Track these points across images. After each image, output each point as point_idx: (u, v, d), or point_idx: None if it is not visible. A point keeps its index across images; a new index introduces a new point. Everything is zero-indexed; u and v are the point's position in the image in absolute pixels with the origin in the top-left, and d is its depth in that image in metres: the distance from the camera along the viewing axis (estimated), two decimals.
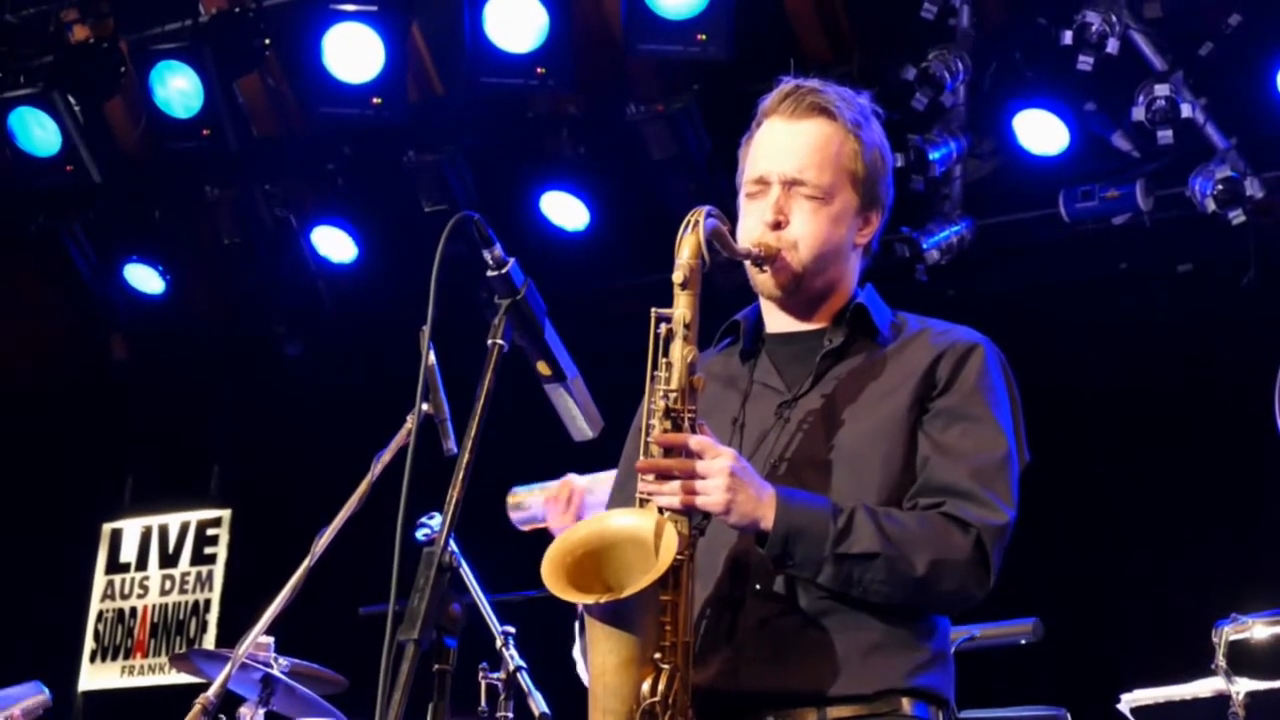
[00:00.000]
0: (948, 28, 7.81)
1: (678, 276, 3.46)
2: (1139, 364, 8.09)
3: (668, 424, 3.40)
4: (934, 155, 7.83)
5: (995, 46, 8.00)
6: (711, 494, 3.34)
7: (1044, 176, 8.01)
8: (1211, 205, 7.61)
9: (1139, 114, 7.54)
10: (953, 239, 8.14)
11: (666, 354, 3.43)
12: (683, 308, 3.44)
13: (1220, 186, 7.57)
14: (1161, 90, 7.49)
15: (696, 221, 3.49)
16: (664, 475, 3.37)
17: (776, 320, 3.77)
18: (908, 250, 7.99)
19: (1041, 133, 7.89)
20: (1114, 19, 7.43)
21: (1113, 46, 7.44)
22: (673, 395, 3.40)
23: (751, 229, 3.67)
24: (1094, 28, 7.43)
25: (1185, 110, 7.48)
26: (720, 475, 3.34)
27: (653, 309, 3.51)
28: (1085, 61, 7.47)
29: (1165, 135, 7.52)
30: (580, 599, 3.33)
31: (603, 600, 3.31)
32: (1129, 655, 7.60)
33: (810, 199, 3.65)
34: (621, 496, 3.78)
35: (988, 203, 8.32)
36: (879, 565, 3.39)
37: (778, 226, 3.64)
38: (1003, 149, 8.11)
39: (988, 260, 8.39)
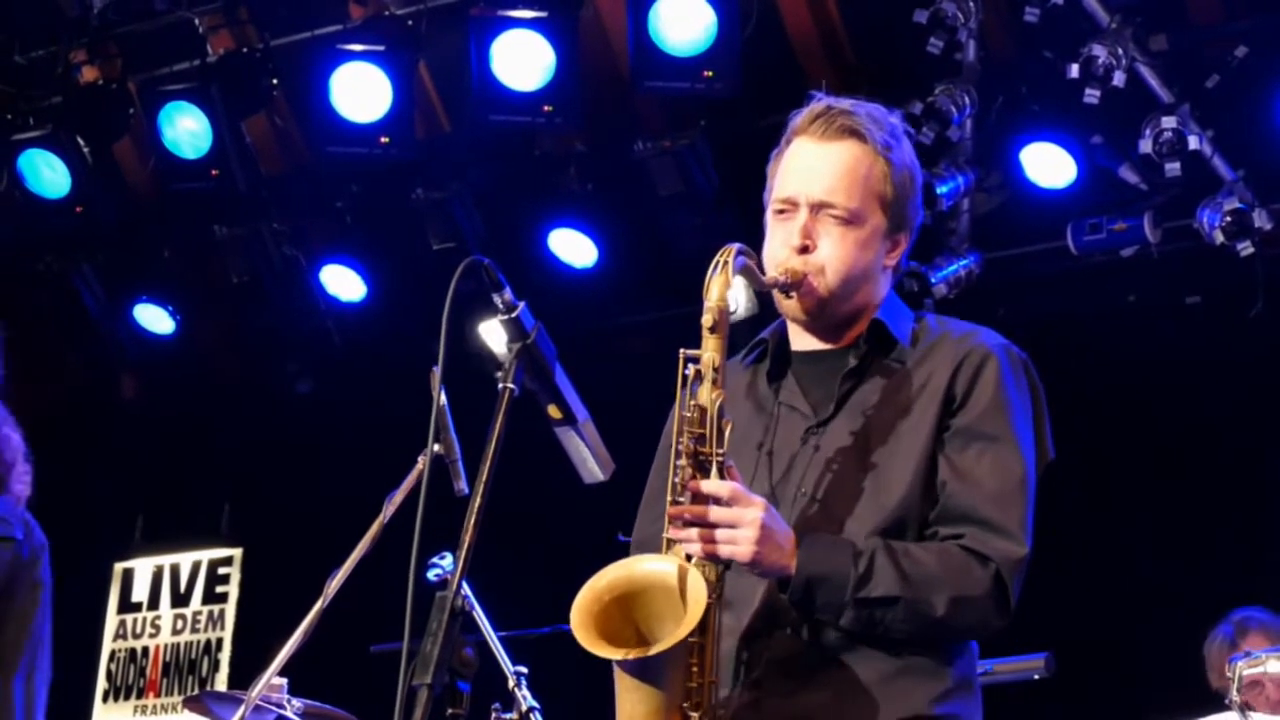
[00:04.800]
0: (954, 62, 7.83)
1: (707, 320, 3.42)
2: (1147, 396, 8.08)
3: (695, 468, 3.38)
4: (941, 189, 7.84)
5: (1002, 80, 8.01)
6: (740, 545, 3.33)
7: (1051, 209, 8.02)
8: (1219, 237, 7.61)
9: (1146, 146, 7.55)
10: (961, 273, 8.14)
11: (694, 396, 3.41)
12: (711, 350, 3.41)
13: (1228, 218, 7.58)
14: (1168, 123, 7.50)
15: (725, 262, 3.45)
16: (692, 521, 3.36)
17: (802, 340, 3.74)
18: (916, 284, 7.99)
19: (1049, 166, 7.90)
20: (1120, 52, 7.44)
21: (1119, 79, 7.45)
22: (700, 438, 3.39)
23: (777, 251, 3.64)
24: (1100, 61, 7.45)
25: (1192, 142, 7.50)
26: (751, 527, 3.33)
27: (681, 350, 3.46)
28: (1092, 95, 7.48)
29: (1173, 167, 7.52)
30: (611, 653, 3.30)
31: (633, 658, 3.30)
32: (1143, 690, 7.59)
33: (838, 223, 3.61)
34: (649, 515, 3.76)
35: (995, 236, 8.32)
36: (900, 608, 3.39)
37: (804, 250, 3.60)
38: (1010, 182, 8.12)
39: (996, 293, 8.39)
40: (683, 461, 3.39)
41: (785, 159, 3.72)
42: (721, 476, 3.38)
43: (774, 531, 3.36)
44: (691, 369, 3.43)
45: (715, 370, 3.40)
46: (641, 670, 3.31)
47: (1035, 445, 3.64)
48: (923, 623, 3.42)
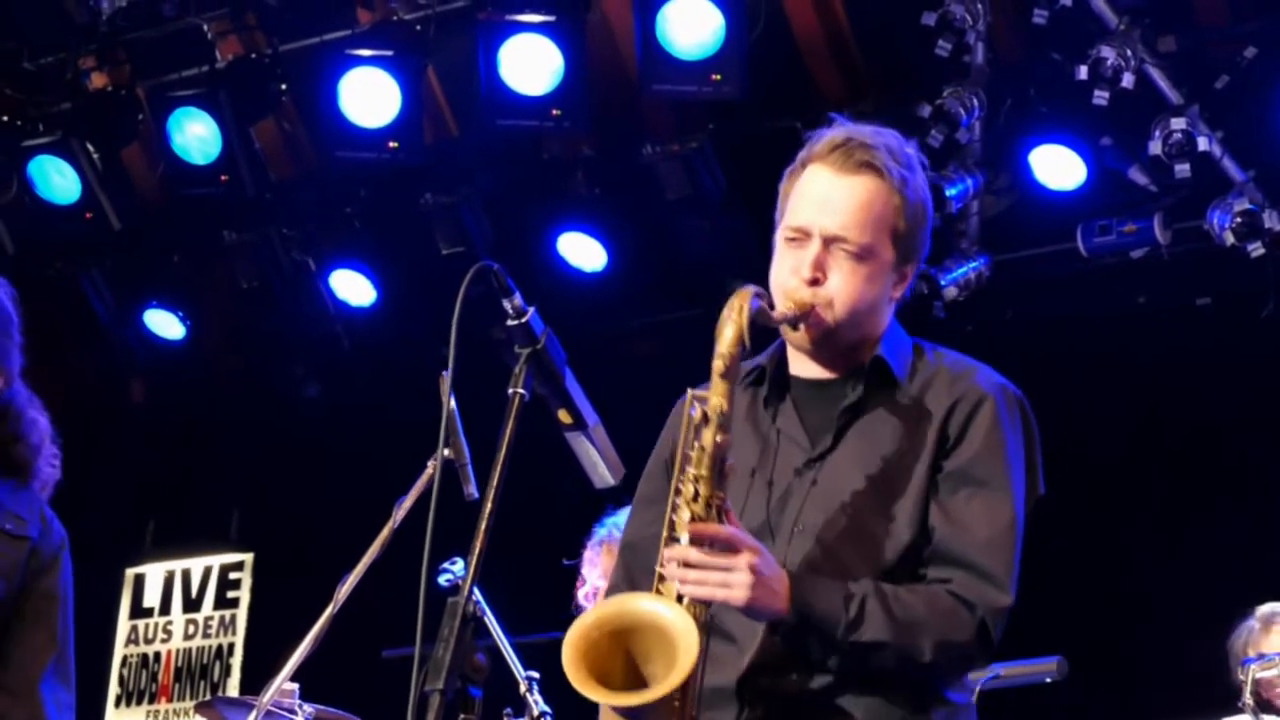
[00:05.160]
0: (963, 64, 7.82)
1: (718, 366, 3.42)
2: (1158, 398, 8.07)
3: (696, 508, 3.39)
4: (950, 192, 7.83)
5: (1010, 82, 8.01)
6: (735, 589, 3.34)
7: (1061, 211, 8.02)
8: (1230, 238, 7.61)
9: (1156, 148, 7.54)
10: (970, 275, 8.14)
11: (698, 436, 3.42)
12: (719, 396, 3.41)
13: (1239, 219, 7.57)
14: (1178, 124, 7.49)
15: (741, 307, 3.46)
16: (688, 563, 3.37)
17: (802, 366, 3.74)
18: (925, 287, 7.98)
19: (1058, 168, 7.90)
20: (1129, 53, 7.44)
21: (1128, 81, 7.45)
22: (703, 480, 3.39)
23: (786, 280, 3.64)
24: (1109, 62, 7.44)
25: (1202, 143, 7.48)
26: (745, 571, 3.34)
27: (689, 390, 3.50)
28: (1101, 96, 7.48)
29: (1182, 169, 7.52)
30: (600, 696, 3.32)
31: (622, 705, 3.33)
32: (1155, 693, 7.58)
33: (849, 257, 3.61)
34: (641, 520, 3.79)
35: (1005, 238, 8.32)
36: (888, 652, 3.43)
37: (814, 282, 3.61)
38: (1019, 184, 8.11)
39: (1005, 296, 8.39)
40: (681, 501, 3.41)
41: (800, 184, 3.71)
42: (720, 520, 3.39)
43: (768, 576, 3.38)
44: (698, 410, 3.44)
45: (723, 415, 3.40)
46: (629, 713, 3.35)
47: (1026, 487, 3.65)
48: (909, 665, 3.45)
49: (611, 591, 3.76)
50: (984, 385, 3.68)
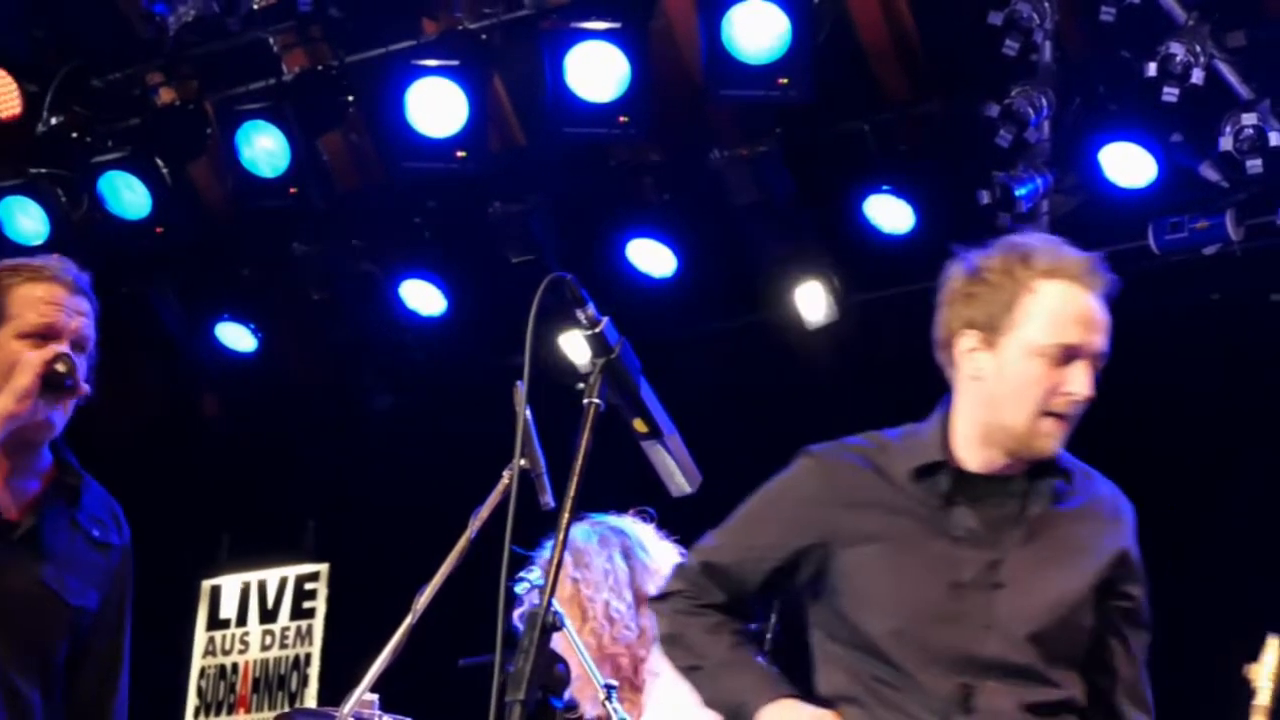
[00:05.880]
0: (1030, 63, 7.78)
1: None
2: (1232, 395, 8.03)
3: None
4: (1020, 191, 7.79)
5: (1078, 81, 7.96)
6: None
7: (1132, 209, 7.97)
8: None
9: (1226, 144, 7.49)
10: None
11: None
12: None
13: None
14: (1248, 119, 7.44)
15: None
16: None
17: (976, 458, 3.86)
18: None
19: (1128, 165, 7.85)
20: (1198, 49, 7.38)
21: (1197, 77, 7.40)
22: None
23: (1056, 398, 3.80)
24: (1178, 59, 7.39)
25: (1273, 138, 7.44)
26: None
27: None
28: (1170, 93, 7.43)
29: (1254, 164, 7.47)
30: None
31: None
32: (1218, 694, 7.52)
33: (1099, 367, 3.86)
34: (742, 542, 3.96)
35: (1075, 237, 8.20)
36: None
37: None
38: (1089, 183, 8.06)
39: None
40: None
41: (1050, 300, 3.89)
42: None
43: None
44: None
45: None
46: None
47: None
48: None
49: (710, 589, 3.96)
50: (1131, 514, 4.01)
